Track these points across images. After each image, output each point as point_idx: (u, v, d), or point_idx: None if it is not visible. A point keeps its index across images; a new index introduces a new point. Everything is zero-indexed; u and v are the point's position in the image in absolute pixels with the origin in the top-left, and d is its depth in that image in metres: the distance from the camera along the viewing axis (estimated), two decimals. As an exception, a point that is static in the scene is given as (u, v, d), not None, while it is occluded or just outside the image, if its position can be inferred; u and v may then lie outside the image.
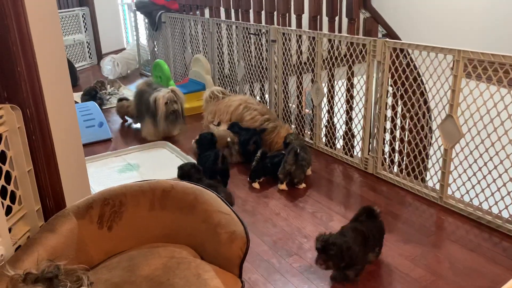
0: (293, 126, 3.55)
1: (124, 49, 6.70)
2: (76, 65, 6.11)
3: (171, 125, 3.53)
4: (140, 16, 5.69)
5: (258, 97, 3.95)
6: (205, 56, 4.43)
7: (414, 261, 2.05)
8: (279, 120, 3.41)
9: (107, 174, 3.06)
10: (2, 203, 1.43)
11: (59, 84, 1.69)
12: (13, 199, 1.51)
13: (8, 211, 1.48)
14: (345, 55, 2.96)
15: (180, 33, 4.88)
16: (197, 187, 1.66)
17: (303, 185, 2.78)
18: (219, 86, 4.33)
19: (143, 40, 5.90)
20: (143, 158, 3.29)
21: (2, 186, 1.45)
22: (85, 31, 6.47)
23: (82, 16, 6.40)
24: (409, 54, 2.68)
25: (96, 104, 4.00)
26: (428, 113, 2.62)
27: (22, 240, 1.50)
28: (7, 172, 1.48)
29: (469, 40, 4.86)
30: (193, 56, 4.60)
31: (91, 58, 6.63)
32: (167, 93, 3.45)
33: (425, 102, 2.64)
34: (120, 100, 4.22)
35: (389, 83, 2.72)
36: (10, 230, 1.48)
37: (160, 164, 3.19)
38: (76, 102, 4.48)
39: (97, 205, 1.58)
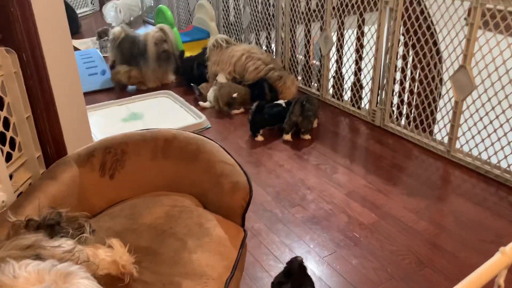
0: (299, 77, 3.46)
1: (126, -6, 6.46)
2: (77, 11, 5.94)
3: (163, 66, 3.46)
4: (143, -41, 5.44)
5: (264, 46, 3.83)
6: (210, 2, 4.26)
7: (418, 214, 2.05)
8: (284, 70, 3.32)
9: (111, 122, 3.03)
10: (2, 150, 1.41)
11: (55, 26, 1.61)
12: (13, 145, 1.48)
13: (8, 158, 1.46)
14: (356, 2, 2.82)
15: (184, -22, 4.68)
16: (199, 137, 1.62)
17: (308, 136, 2.75)
18: (223, 34, 4.20)
19: (146, -15, 5.68)
20: (146, 107, 3.25)
21: (1, 132, 1.42)
22: (86, -25, 6.24)
23: (83, -41, 6.14)
24: (423, 1, 2.54)
25: (99, 51, 3.90)
26: (440, 63, 2.52)
27: (23, 187, 1.48)
28: (6, 118, 1.45)
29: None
30: (197, 1, 4.42)
31: (93, 4, 6.43)
32: (156, 32, 3.36)
33: (438, 52, 2.53)
34: (112, 67, 3.63)
35: (401, 32, 2.61)
36: (11, 177, 1.46)
37: (163, 113, 3.15)
38: (77, 49, 4.38)
39: (98, 153, 1.55)
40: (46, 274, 0.84)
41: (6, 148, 1.45)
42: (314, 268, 1.77)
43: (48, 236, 1.19)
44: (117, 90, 3.55)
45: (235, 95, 3.06)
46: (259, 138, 2.76)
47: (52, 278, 0.84)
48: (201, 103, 3.24)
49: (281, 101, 2.90)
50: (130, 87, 3.62)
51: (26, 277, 0.83)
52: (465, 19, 2.29)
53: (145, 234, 1.33)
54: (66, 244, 1.14)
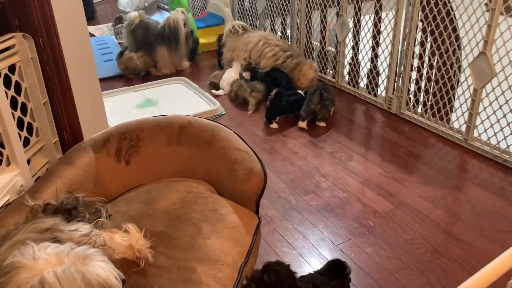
0: (314, 64, 3.42)
1: (141, -20, 6.44)
2: (92, -3, 5.94)
3: (186, 46, 3.54)
4: None
5: (279, 33, 3.79)
6: (225, -12, 4.23)
7: (434, 203, 2.02)
8: (301, 56, 3.28)
9: (126, 109, 3.05)
10: (20, 135, 1.42)
11: (71, 12, 1.61)
12: (30, 131, 1.50)
13: (26, 143, 1.48)
14: (373, -13, 2.76)
15: (199, -37, 4.63)
16: (214, 123, 1.62)
17: (324, 123, 2.72)
18: (238, 19, 4.16)
19: (161, -30, 5.65)
20: (161, 93, 3.25)
21: (19, 117, 1.44)
22: (101, -39, 6.22)
23: None
24: (443, -14, 2.48)
25: (114, 38, 3.91)
26: (459, 50, 2.47)
27: (41, 172, 1.51)
28: (23, 104, 1.46)
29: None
30: (212, -13, 4.39)
31: (108, -10, 6.42)
32: (181, 13, 3.46)
33: (457, 38, 2.48)
34: (121, 54, 3.50)
35: (419, 18, 2.55)
36: (29, 161, 1.49)
37: (178, 99, 3.16)
38: (92, 35, 4.40)
39: (114, 139, 1.56)
40: (65, 256, 0.86)
41: (24, 133, 1.47)
42: (328, 255, 1.77)
43: (65, 220, 1.21)
44: (136, 77, 3.55)
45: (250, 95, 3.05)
46: (274, 125, 2.74)
47: (71, 260, 0.85)
48: (213, 91, 3.24)
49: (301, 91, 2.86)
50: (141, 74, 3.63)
51: (46, 258, 0.85)
52: (485, 4, 2.23)
53: (160, 219, 1.34)
54: (83, 228, 1.16)
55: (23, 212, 1.24)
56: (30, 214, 1.26)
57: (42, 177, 1.41)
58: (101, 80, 1.84)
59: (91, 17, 5.19)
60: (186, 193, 1.47)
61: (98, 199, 1.37)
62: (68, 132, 1.60)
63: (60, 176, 1.38)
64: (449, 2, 2.46)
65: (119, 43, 4.05)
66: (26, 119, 1.48)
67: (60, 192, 1.33)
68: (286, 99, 2.76)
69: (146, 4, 5.79)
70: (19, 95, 1.44)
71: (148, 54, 3.50)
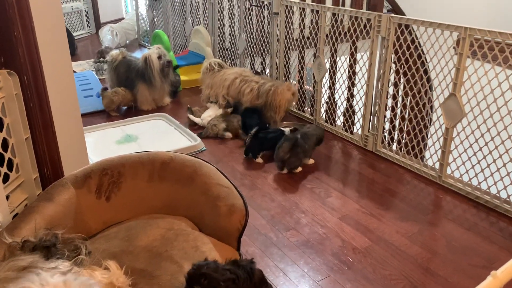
0: (293, 86, 3.49)
1: (123, 18, 6.56)
2: (74, 34, 6.01)
3: (165, 79, 3.58)
4: (140, -15, 5.55)
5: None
6: (206, 28, 4.35)
7: (410, 239, 2.06)
8: (276, 80, 3.36)
9: (106, 144, 3.04)
10: (-1, 171, 1.41)
11: (57, 50, 1.65)
12: (10, 167, 1.49)
13: (6, 178, 1.47)
14: (348, 30, 2.90)
15: (181, 4, 4.77)
16: (196, 159, 1.64)
17: (299, 169, 2.68)
18: (219, 58, 4.26)
19: (143, 10, 5.78)
20: (141, 129, 3.27)
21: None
22: (83, -1, 6.33)
23: (80, -17, 6.24)
24: (414, 31, 2.63)
25: (94, 74, 3.94)
26: (430, 91, 2.59)
27: (19, 208, 1.48)
28: (4, 140, 1.46)
29: (474, 17, 4.78)
30: (193, 27, 4.51)
31: (89, 27, 6.51)
32: (157, 49, 3.54)
33: (428, 80, 2.60)
34: (105, 90, 3.56)
35: (393, 60, 2.68)
36: (7, 197, 1.47)
37: (158, 135, 3.17)
38: (73, 71, 4.41)
39: (95, 175, 1.56)
40: (72, 284, 0.88)
41: (4, 169, 1.45)
42: (308, 292, 1.77)
43: (44, 257, 1.19)
44: (118, 112, 3.56)
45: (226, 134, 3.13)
46: (259, 160, 2.75)
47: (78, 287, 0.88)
48: (190, 115, 3.33)
49: (286, 129, 2.87)
50: (123, 108, 3.65)
51: (54, 284, 0.87)
52: (454, 48, 2.37)
53: (141, 256, 1.34)
54: (62, 265, 1.15)
55: (1, 249, 1.22)
56: (8, 251, 1.24)
57: (22, 213, 1.39)
58: (81, 115, 1.85)
59: (72, 53, 5.22)
60: (167, 229, 1.47)
61: (77, 235, 1.35)
62: (49, 168, 1.59)
63: (40, 212, 1.37)
64: (420, 45, 2.61)
65: (100, 79, 4.07)
66: (7, 155, 1.47)
67: (40, 228, 1.31)
68: (265, 136, 2.80)
69: (128, 41, 5.88)
70: (1, 131, 1.44)
71: (129, 91, 3.54)
